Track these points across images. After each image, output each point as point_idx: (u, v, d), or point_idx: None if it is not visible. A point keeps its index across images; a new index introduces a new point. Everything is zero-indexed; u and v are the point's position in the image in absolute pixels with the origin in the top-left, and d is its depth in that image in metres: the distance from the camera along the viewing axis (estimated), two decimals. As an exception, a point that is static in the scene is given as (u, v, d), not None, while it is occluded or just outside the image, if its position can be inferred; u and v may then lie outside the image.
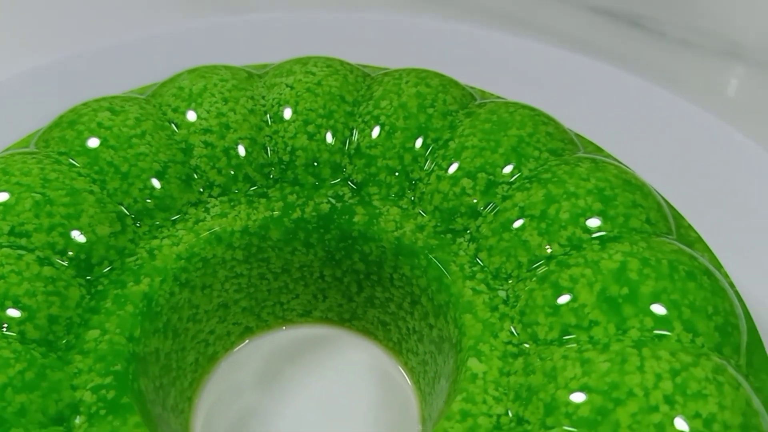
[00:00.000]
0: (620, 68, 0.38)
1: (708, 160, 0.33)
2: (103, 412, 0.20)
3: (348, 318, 0.28)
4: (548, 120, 0.26)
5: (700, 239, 0.25)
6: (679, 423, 0.18)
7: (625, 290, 0.21)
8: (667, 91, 0.36)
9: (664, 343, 0.20)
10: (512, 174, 0.25)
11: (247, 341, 0.28)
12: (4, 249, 0.21)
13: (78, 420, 0.19)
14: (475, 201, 0.24)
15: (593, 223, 0.23)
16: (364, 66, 0.30)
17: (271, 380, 0.27)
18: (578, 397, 0.19)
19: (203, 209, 0.25)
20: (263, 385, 0.27)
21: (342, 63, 0.28)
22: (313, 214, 0.25)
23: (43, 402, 0.19)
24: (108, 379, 0.20)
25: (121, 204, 0.24)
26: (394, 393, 0.27)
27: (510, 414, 0.20)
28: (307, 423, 0.25)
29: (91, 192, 0.23)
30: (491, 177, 0.24)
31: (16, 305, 0.20)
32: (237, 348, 0.28)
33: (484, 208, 0.24)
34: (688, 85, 0.41)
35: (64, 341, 0.21)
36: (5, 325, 0.20)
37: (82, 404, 0.20)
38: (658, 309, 0.20)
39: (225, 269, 0.26)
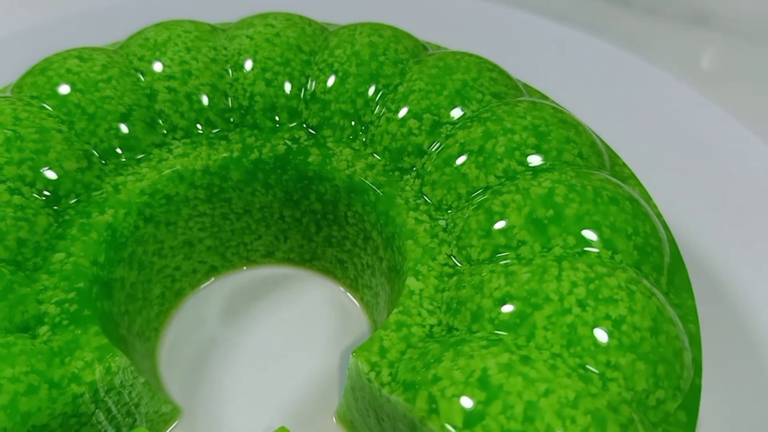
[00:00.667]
0: (592, 36, 0.39)
1: (656, 113, 0.35)
2: (65, 322, 0.21)
3: (308, 258, 0.30)
4: (493, 67, 0.28)
5: (633, 175, 0.26)
6: (589, 323, 0.20)
7: (551, 212, 0.22)
8: (636, 57, 0.37)
9: (584, 258, 0.21)
10: (456, 115, 0.26)
11: (212, 279, 0.29)
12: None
13: (42, 330, 0.21)
14: (421, 140, 0.26)
15: (527, 156, 0.24)
16: (329, 24, 0.32)
17: (235, 315, 0.28)
18: (500, 304, 0.21)
19: (167, 150, 0.27)
20: (227, 319, 0.28)
21: (301, 17, 0.30)
22: (271, 155, 0.27)
23: (10, 311, 0.21)
24: (71, 295, 0.22)
25: (88, 143, 0.26)
26: (350, 325, 0.28)
27: (441, 324, 0.22)
28: (268, 352, 0.27)
29: (60, 131, 0.25)
30: (436, 118, 0.26)
31: (-9, 229, 0.22)
32: (203, 285, 0.29)
33: (429, 147, 0.26)
34: (658, 51, 0.43)
35: (31, 262, 0.23)
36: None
37: (46, 316, 0.21)
38: (581, 229, 0.22)
39: (188, 207, 0.27)
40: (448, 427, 0.18)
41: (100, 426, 0.21)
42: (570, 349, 0.19)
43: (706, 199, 0.31)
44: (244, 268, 0.30)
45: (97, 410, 0.21)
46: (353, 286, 0.29)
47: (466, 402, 0.18)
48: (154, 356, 0.27)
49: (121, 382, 0.21)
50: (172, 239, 0.27)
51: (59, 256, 0.23)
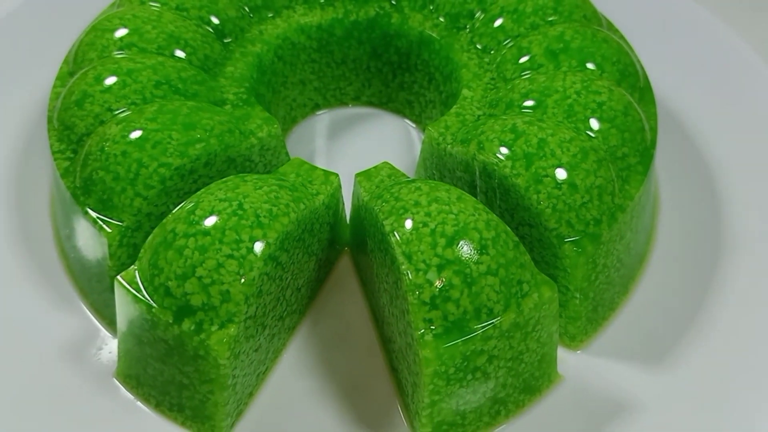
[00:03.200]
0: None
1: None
2: (240, 104, 0.33)
3: (385, 101, 0.41)
4: (525, -42, 0.38)
5: (622, 36, 0.37)
6: (580, 104, 0.30)
7: (561, 46, 0.33)
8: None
9: (582, 73, 0.32)
10: (498, -10, 0.37)
11: (317, 113, 0.41)
12: (173, 14, 0.34)
13: (226, 107, 0.32)
14: (472, 7, 0.37)
15: (547, 14, 0.35)
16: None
17: (337, 127, 0.40)
18: (524, 97, 0.32)
19: (292, 11, 0.38)
20: (330, 132, 0.40)
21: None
22: (364, 17, 0.38)
23: (207, 94, 0.32)
24: (241, 90, 0.33)
25: (241, 1, 0.37)
26: (414, 147, 0.39)
27: (484, 114, 0.33)
28: (355, 152, 0.38)
29: (223, -9, 0.36)
30: (484, -9, 0.37)
31: (185, 46, 0.33)
32: (309, 117, 0.41)
33: (478, 12, 0.37)
34: None
35: (212, 71, 0.34)
36: (180, 53, 0.33)
37: (227, 100, 0.33)
38: (581, 56, 0.33)
39: (304, 53, 0.38)
40: (492, 155, 0.29)
41: (257, 171, 0.32)
42: (569, 118, 0.30)
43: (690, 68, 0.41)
44: (338, 107, 0.41)
45: (259, 161, 0.32)
46: (418, 120, 0.40)
47: (503, 138, 0.29)
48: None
49: (275, 149, 0.33)
50: (292, 75, 0.38)
51: (229, 69, 0.34)
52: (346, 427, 0.29)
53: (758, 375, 0.30)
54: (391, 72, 0.40)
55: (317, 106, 0.41)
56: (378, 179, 0.30)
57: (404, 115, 0.41)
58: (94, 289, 0.31)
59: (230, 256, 0.25)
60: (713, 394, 0.29)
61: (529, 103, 0.31)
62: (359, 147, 0.39)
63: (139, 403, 0.28)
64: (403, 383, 0.29)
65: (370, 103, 0.41)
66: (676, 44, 0.42)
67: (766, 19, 0.50)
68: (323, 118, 0.41)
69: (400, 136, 0.40)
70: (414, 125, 0.40)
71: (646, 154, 0.31)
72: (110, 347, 0.30)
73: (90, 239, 0.29)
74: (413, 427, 0.28)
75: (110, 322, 0.31)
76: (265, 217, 0.26)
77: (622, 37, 0.37)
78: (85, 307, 0.31)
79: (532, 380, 0.28)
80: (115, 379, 0.29)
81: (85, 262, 0.31)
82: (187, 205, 0.26)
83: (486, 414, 0.28)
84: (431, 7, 0.38)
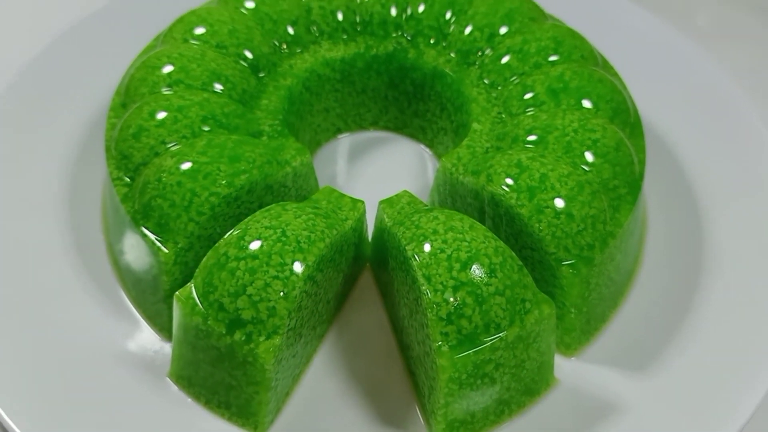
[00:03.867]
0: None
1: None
2: (275, 134, 0.37)
3: (401, 126, 0.45)
4: (529, 0, 0.42)
5: (616, 74, 0.41)
6: (577, 141, 0.34)
7: (561, 85, 0.37)
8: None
9: (580, 111, 0.36)
10: (503, 31, 0.41)
11: (338, 136, 0.45)
12: (214, 52, 0.38)
13: (263, 138, 0.36)
14: (482, 45, 0.41)
15: (549, 55, 0.39)
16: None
17: (357, 150, 0.44)
18: (528, 133, 0.36)
19: (318, 46, 0.42)
20: (351, 154, 0.44)
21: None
22: (383, 52, 0.42)
23: (247, 127, 0.36)
24: (276, 121, 0.37)
25: (273, 38, 0.41)
26: (427, 169, 0.43)
27: (492, 146, 0.37)
28: (374, 173, 0.43)
29: (257, 29, 0.40)
30: (491, 31, 0.41)
31: (226, 82, 0.37)
32: (332, 140, 0.45)
33: (487, 49, 0.41)
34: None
35: (250, 104, 0.38)
36: (221, 88, 0.37)
37: (263, 132, 0.37)
38: (579, 95, 0.37)
39: (329, 84, 0.42)
40: (500, 187, 0.33)
41: (291, 198, 0.37)
42: (567, 154, 0.34)
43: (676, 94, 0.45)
44: (359, 131, 0.45)
45: (292, 186, 0.36)
46: (430, 144, 0.44)
47: (510, 172, 0.33)
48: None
49: (306, 176, 0.37)
50: (317, 104, 0.42)
51: (264, 101, 0.38)
52: (368, 423, 0.33)
53: (733, 380, 0.34)
54: (406, 101, 0.44)
55: (339, 130, 0.45)
56: (399, 206, 0.34)
57: (418, 140, 0.45)
58: (148, 299, 0.35)
59: (276, 277, 0.29)
60: (692, 397, 0.34)
61: (532, 138, 0.35)
62: (377, 168, 0.44)
63: (189, 399, 0.33)
64: (420, 386, 0.33)
65: (387, 128, 0.45)
66: (665, 77, 0.46)
67: (747, 46, 0.54)
68: (345, 141, 0.45)
69: (414, 158, 0.44)
70: (427, 149, 0.44)
71: (634, 185, 0.35)
72: (163, 350, 0.34)
73: (146, 257, 0.33)
74: (429, 425, 0.32)
75: (161, 329, 0.35)
76: (304, 242, 0.30)
77: (615, 74, 0.41)
78: (138, 315, 0.36)
79: (532, 384, 0.33)
80: (168, 379, 0.33)
81: (139, 276, 0.35)
82: (237, 231, 0.31)
83: (492, 413, 0.32)
84: (444, 44, 0.42)
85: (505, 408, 0.32)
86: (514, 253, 0.31)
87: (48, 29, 0.48)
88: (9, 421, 0.31)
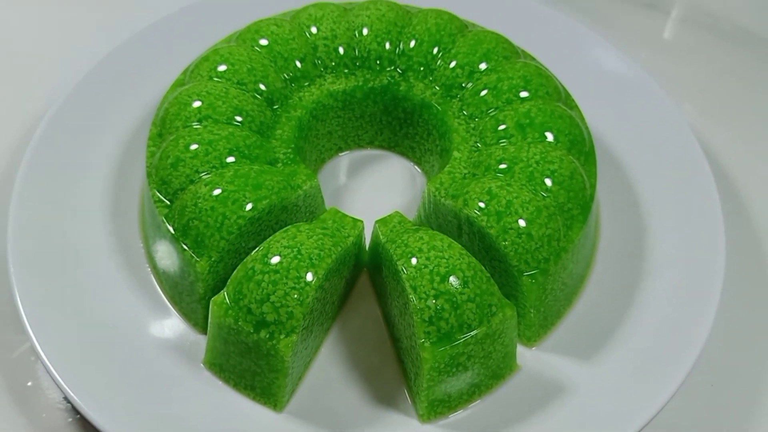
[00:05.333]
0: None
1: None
2: (288, 161, 0.44)
3: (393, 145, 0.52)
4: (504, 40, 0.49)
5: (576, 106, 0.48)
6: (538, 171, 0.42)
7: (528, 121, 0.44)
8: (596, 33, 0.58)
9: (542, 143, 0.43)
10: (482, 67, 0.48)
11: (340, 154, 0.52)
12: (235, 89, 0.45)
13: (278, 165, 0.43)
14: (463, 81, 0.48)
15: (519, 91, 0.46)
16: (406, 4, 0.53)
17: (355, 166, 0.51)
18: (498, 163, 0.43)
19: (323, 79, 0.49)
20: (350, 170, 0.51)
21: (395, 3, 0.51)
22: (379, 85, 0.49)
23: (264, 155, 0.43)
24: (289, 150, 0.44)
25: (284, 73, 0.47)
26: (416, 184, 0.51)
27: (469, 173, 0.44)
28: (370, 185, 0.50)
29: (270, 66, 0.47)
30: (471, 68, 0.48)
31: (246, 116, 0.44)
32: (334, 158, 0.52)
33: (467, 84, 0.48)
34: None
35: (266, 134, 0.45)
36: (239, 120, 0.44)
37: (279, 159, 0.44)
38: (542, 129, 0.44)
39: (332, 111, 0.49)
40: (473, 210, 0.40)
41: (301, 214, 0.44)
42: (529, 182, 0.42)
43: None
44: (357, 149, 0.52)
45: (303, 205, 0.43)
46: (418, 162, 0.51)
47: (482, 198, 0.40)
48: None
49: (314, 196, 0.44)
50: (322, 128, 0.49)
51: (278, 131, 0.45)
52: (365, 402, 0.41)
53: (661, 367, 0.41)
54: (398, 125, 0.51)
55: (340, 149, 0.52)
56: (391, 225, 0.41)
57: (408, 158, 0.52)
58: (184, 300, 0.42)
59: (293, 288, 0.37)
60: (629, 380, 0.41)
61: (503, 166, 0.43)
62: (373, 181, 0.51)
63: (220, 382, 0.40)
64: (407, 372, 0.41)
65: (381, 147, 0.52)
66: (616, 103, 0.53)
67: (690, 66, 0.61)
68: (345, 159, 0.52)
69: (404, 173, 0.51)
70: (415, 166, 0.52)
71: (585, 206, 0.43)
72: (197, 342, 0.42)
73: (184, 267, 0.41)
74: (414, 403, 0.40)
75: (195, 324, 0.42)
76: (315, 259, 0.38)
77: (575, 106, 0.48)
78: (175, 312, 0.43)
79: (498, 370, 0.40)
80: (202, 365, 0.41)
81: (176, 280, 0.42)
82: (262, 249, 0.38)
83: (465, 393, 0.40)
84: (430, 78, 0.49)
85: (476, 390, 0.40)
86: (483, 267, 0.39)
87: (87, 56, 0.55)
88: (74, 397, 0.38)
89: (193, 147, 0.42)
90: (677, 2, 0.67)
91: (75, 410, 0.41)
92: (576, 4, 0.65)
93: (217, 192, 0.40)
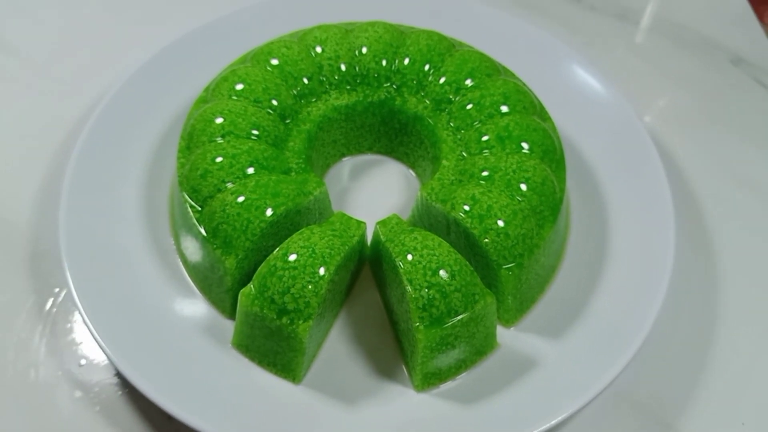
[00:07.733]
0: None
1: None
2: (300, 171, 0.51)
3: (390, 151, 0.59)
4: (487, 59, 0.56)
5: (549, 118, 0.55)
6: (515, 179, 0.49)
7: (506, 133, 0.51)
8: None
9: (518, 154, 0.51)
10: (468, 83, 0.55)
11: (343, 159, 0.59)
12: (253, 107, 0.52)
13: (292, 174, 0.50)
14: (450, 96, 0.55)
15: (499, 106, 0.53)
16: (400, 25, 0.59)
17: (357, 170, 0.58)
18: (481, 171, 0.50)
19: (328, 95, 0.55)
20: (352, 173, 0.58)
21: (391, 24, 0.58)
22: (377, 99, 0.56)
23: (279, 166, 0.50)
24: (300, 160, 0.51)
25: (293, 91, 0.54)
26: (410, 184, 0.58)
27: (456, 178, 0.51)
28: (370, 187, 0.57)
29: (283, 85, 0.54)
30: (458, 84, 0.54)
31: (263, 131, 0.51)
32: (338, 162, 0.59)
33: (455, 98, 0.55)
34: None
35: (281, 146, 0.52)
36: (257, 133, 0.51)
37: (292, 169, 0.51)
38: (519, 141, 0.51)
39: (336, 123, 0.56)
40: (459, 213, 0.48)
41: (312, 215, 0.51)
42: (507, 189, 0.49)
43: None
44: (357, 154, 0.59)
45: (314, 208, 0.50)
46: (412, 167, 0.58)
47: (467, 203, 0.48)
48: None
49: (323, 200, 0.51)
50: (327, 138, 0.56)
51: (291, 144, 0.52)
52: (369, 375, 0.48)
53: (617, 343, 0.49)
54: (394, 134, 0.58)
55: (343, 155, 0.59)
56: (390, 226, 0.49)
57: (403, 162, 0.59)
58: (213, 291, 0.49)
59: (309, 282, 0.44)
60: (591, 354, 0.49)
61: (485, 174, 0.50)
62: (373, 183, 0.58)
63: (247, 360, 0.47)
64: (404, 349, 0.48)
65: (379, 152, 0.59)
66: (586, 112, 0.60)
67: (655, 74, 0.68)
68: (348, 163, 0.59)
69: (399, 176, 0.58)
70: (409, 170, 0.59)
71: (555, 208, 0.50)
72: (225, 326, 0.49)
73: (214, 263, 0.48)
74: (411, 376, 0.47)
75: (223, 311, 0.49)
76: (327, 256, 0.45)
77: (548, 118, 0.55)
78: (205, 300, 0.50)
79: (481, 347, 0.48)
80: (231, 346, 0.48)
81: (206, 274, 0.49)
82: (282, 249, 0.45)
83: (453, 367, 0.47)
84: (422, 93, 0.56)
85: (463, 364, 0.47)
86: (468, 262, 0.46)
87: (117, 69, 0.61)
88: (125, 371, 0.45)
89: (219, 160, 0.49)
90: (647, 13, 0.74)
91: (124, 384, 0.48)
92: (553, 16, 0.72)
93: (241, 199, 0.47)
